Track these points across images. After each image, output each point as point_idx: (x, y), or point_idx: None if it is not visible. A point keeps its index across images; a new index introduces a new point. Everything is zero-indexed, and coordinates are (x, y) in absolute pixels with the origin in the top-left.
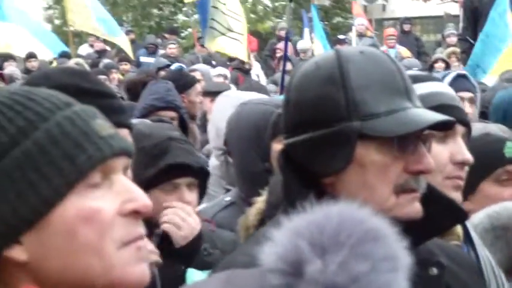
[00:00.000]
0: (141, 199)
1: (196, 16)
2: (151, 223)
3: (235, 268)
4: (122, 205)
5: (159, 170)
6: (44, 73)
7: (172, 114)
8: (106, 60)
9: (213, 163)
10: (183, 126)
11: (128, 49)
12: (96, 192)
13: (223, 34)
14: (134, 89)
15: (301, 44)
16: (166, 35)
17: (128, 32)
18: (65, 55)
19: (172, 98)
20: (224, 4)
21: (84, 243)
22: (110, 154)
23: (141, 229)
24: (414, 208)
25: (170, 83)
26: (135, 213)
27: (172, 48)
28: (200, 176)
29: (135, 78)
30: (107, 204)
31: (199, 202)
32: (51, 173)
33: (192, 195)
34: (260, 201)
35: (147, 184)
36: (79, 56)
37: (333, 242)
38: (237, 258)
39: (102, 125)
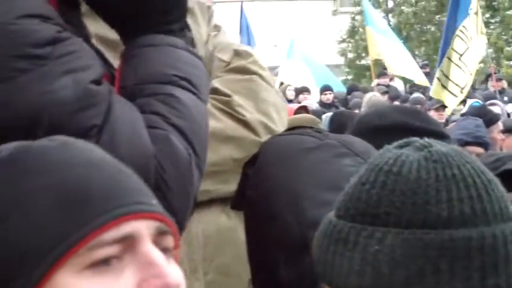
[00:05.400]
0: None
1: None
2: None
3: None
4: None
5: None
6: (378, 111)
7: (480, 150)
8: (415, 95)
9: None
10: None
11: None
12: None
13: (444, 87)
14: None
15: None
16: None
17: (423, 66)
18: (355, 89)
19: (481, 134)
20: (460, 54)
21: None
22: None
23: None
24: None
25: (480, 120)
26: None
27: None
28: None
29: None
30: None
31: None
32: (459, 276)
33: None
34: None
35: None
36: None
37: None
38: None
39: None
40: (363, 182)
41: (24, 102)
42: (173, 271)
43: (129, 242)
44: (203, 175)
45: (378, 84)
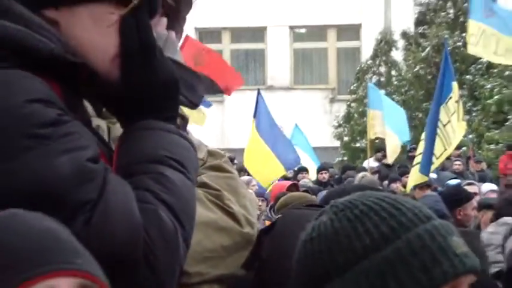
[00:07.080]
0: None
1: (470, 136)
2: None
3: None
4: None
5: None
6: (341, 189)
7: None
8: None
9: None
10: None
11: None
12: None
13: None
14: None
15: None
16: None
17: (411, 149)
18: (349, 168)
19: (439, 208)
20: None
21: None
22: (462, 272)
23: None
24: None
25: (438, 196)
26: None
27: (457, 165)
28: None
29: None
30: None
31: None
32: (408, 282)
33: None
34: None
35: None
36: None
37: None
38: None
39: (458, 242)
40: (297, 260)
41: (28, 178)
42: None
43: None
44: (188, 249)
45: (382, 164)
